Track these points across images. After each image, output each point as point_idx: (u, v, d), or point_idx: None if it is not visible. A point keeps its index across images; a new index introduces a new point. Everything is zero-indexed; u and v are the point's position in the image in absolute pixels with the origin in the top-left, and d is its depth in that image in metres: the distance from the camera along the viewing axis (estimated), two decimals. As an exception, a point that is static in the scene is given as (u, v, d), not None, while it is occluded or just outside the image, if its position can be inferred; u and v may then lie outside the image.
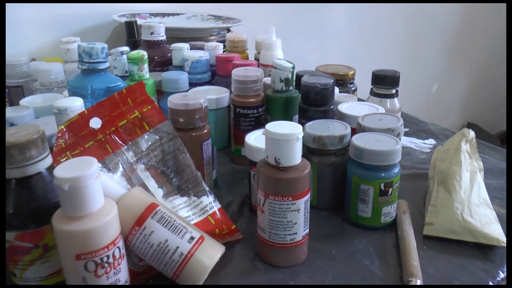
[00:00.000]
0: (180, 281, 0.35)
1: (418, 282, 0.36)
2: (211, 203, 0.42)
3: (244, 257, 0.41)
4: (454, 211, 0.44)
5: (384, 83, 0.59)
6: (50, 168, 0.34)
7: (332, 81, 0.51)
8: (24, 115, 0.52)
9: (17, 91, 0.63)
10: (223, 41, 0.87)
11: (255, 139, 0.46)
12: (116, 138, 0.42)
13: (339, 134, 0.45)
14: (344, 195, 0.46)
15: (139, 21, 0.77)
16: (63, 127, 0.41)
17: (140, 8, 0.98)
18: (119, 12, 0.94)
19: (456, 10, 1.55)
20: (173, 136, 0.44)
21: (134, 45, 0.73)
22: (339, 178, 0.46)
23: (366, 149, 0.42)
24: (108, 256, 0.31)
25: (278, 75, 0.54)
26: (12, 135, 0.32)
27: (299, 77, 0.57)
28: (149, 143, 0.43)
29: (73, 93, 0.55)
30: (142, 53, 0.59)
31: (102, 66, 0.54)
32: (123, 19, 0.90)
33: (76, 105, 0.42)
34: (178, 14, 0.99)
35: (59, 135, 0.39)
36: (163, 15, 0.98)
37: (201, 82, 0.63)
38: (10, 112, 0.52)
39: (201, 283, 0.35)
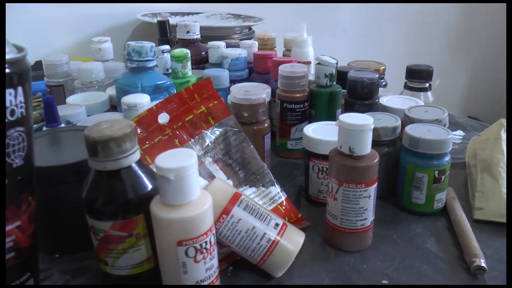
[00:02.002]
0: (267, 266, 0.37)
1: (482, 262, 0.39)
2: (278, 193, 0.44)
3: (313, 243, 0.42)
4: (502, 196, 0.46)
5: (419, 77, 0.61)
6: (139, 161, 0.35)
7: (377, 75, 0.54)
8: (78, 113, 0.53)
9: (59, 90, 0.64)
10: (246, 39, 0.88)
11: (312, 131, 0.48)
12: (183, 132, 0.44)
13: (392, 125, 0.48)
14: (395, 184, 0.49)
15: (173, 21, 0.78)
16: (132, 123, 0.42)
17: (160, 7, 0.99)
18: (139, 12, 0.95)
19: (457, 6, 1.59)
20: (238, 130, 0.45)
21: (166, 44, 0.74)
22: (391, 167, 0.49)
23: (422, 139, 0.45)
24: (206, 242, 0.33)
25: (323, 71, 0.56)
26: (107, 129, 0.33)
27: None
28: (215, 137, 0.45)
29: (122, 90, 0.56)
30: (185, 51, 0.60)
31: (151, 64, 0.56)
32: (146, 19, 0.91)
33: (145, 101, 0.44)
34: (197, 13, 1.00)
35: None
36: (183, 14, 0.99)
37: (240, 79, 0.65)
38: (64, 111, 0.53)
39: (287, 268, 0.37)
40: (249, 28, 0.91)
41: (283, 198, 0.44)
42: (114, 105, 0.62)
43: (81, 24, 0.92)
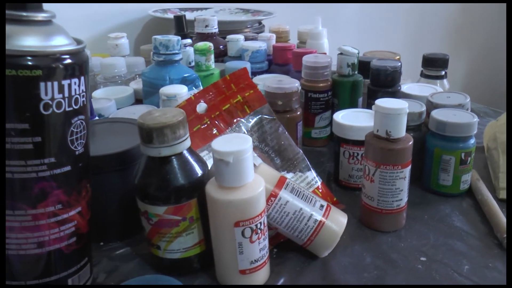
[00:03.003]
0: (313, 247, 0.38)
1: (513, 237, 0.41)
2: (314, 178, 0.45)
3: (350, 224, 0.44)
4: (525, 176, 0.49)
5: (436, 65, 0.63)
6: (189, 148, 0.37)
7: (399, 64, 0.55)
8: (109, 106, 0.54)
9: (82, 85, 0.64)
10: (256, 33, 0.90)
11: (342, 117, 0.50)
12: (220, 121, 0.45)
13: (418, 111, 0.49)
14: (420, 167, 0.51)
15: (190, 15, 0.79)
16: (172, 112, 0.43)
17: (169, 4, 1.00)
18: (149, 9, 0.96)
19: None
20: (272, 118, 0.47)
21: (182, 38, 0.74)
22: (417, 151, 0.50)
23: (449, 122, 0.47)
24: (260, 223, 0.34)
25: (345, 61, 0.58)
26: (161, 117, 0.34)
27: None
28: (251, 125, 0.46)
29: (150, 83, 0.57)
30: (209, 44, 0.61)
31: (177, 57, 0.57)
32: (157, 14, 0.92)
33: (184, 91, 0.45)
34: (206, 9, 1.01)
35: None
36: (192, 9, 1.00)
37: (260, 70, 0.66)
38: (95, 104, 0.54)
39: (332, 248, 0.38)
40: (259, 22, 0.92)
41: (319, 183, 0.45)
42: (138, 99, 0.63)
43: (94, 22, 0.92)
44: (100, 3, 0.92)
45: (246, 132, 0.46)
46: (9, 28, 0.29)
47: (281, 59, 0.67)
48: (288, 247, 0.40)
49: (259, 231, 0.34)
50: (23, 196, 0.31)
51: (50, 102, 0.29)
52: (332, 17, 1.31)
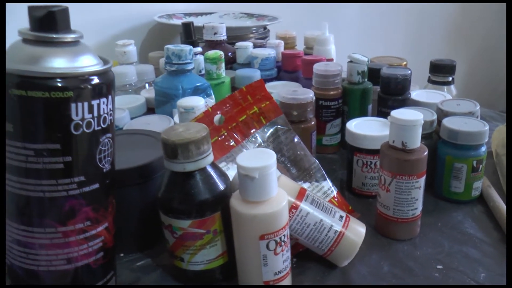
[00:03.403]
0: (333, 257, 0.39)
1: (526, 244, 0.42)
2: (330, 188, 0.46)
3: (365, 233, 0.45)
4: (534, 182, 0.50)
5: (443, 71, 0.64)
6: (211, 162, 0.37)
7: (409, 72, 0.56)
8: (123, 116, 0.55)
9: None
10: (261, 38, 0.90)
11: (355, 126, 0.50)
12: (237, 132, 0.46)
13: (429, 119, 0.50)
14: (431, 174, 0.51)
15: (196, 21, 0.79)
16: (190, 124, 0.44)
17: (174, 8, 1.00)
18: (153, 14, 0.96)
19: None
20: (288, 128, 0.47)
21: (190, 45, 0.75)
22: (428, 159, 0.51)
23: (461, 131, 0.47)
24: (284, 235, 0.35)
25: (356, 68, 0.58)
26: (185, 132, 0.35)
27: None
28: (267, 136, 0.47)
29: (162, 93, 0.58)
30: (219, 53, 0.62)
31: (190, 67, 0.58)
32: (163, 20, 0.92)
33: (201, 104, 0.45)
34: (210, 13, 1.01)
35: None
36: (197, 14, 1.00)
37: (270, 78, 0.67)
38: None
39: (352, 258, 0.39)
40: (264, 27, 0.93)
41: (335, 192, 0.46)
42: (150, 108, 0.63)
43: (98, 28, 0.92)
44: (105, 8, 0.92)
45: (262, 143, 0.46)
46: (38, 50, 0.30)
47: (290, 66, 0.67)
48: (307, 256, 0.41)
49: (282, 243, 0.35)
50: (54, 214, 0.31)
51: (81, 122, 0.30)
52: (333, 19, 1.32)
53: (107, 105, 0.32)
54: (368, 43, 1.41)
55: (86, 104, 0.30)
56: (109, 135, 0.33)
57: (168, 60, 0.57)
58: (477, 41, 1.78)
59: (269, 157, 0.34)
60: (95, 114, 0.31)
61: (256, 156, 0.34)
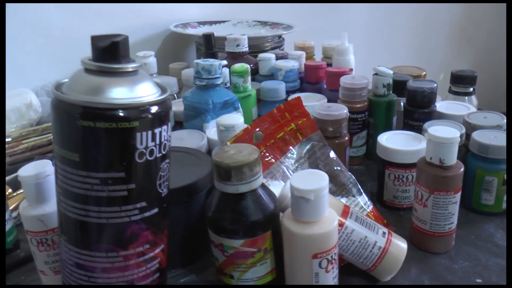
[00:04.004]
0: (376, 272, 0.40)
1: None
2: (367, 202, 0.47)
3: (402, 246, 0.46)
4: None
5: (464, 82, 0.65)
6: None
7: (435, 85, 0.57)
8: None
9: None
10: (277, 47, 0.91)
11: (386, 140, 0.51)
12: (275, 149, 0.47)
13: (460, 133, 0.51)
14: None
15: (202, 30, 0.79)
16: (229, 143, 0.45)
17: (187, 17, 1.01)
18: (167, 23, 0.97)
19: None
20: (323, 144, 0.48)
21: (211, 56, 0.75)
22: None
23: (492, 145, 0.49)
24: (335, 254, 0.36)
25: (381, 81, 0.60)
26: (237, 155, 0.36)
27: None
28: (304, 152, 0.48)
29: (192, 107, 0.59)
30: (246, 66, 0.62)
31: (219, 81, 0.58)
32: (178, 30, 0.93)
33: (241, 121, 0.46)
34: (224, 22, 1.02)
35: None
36: (211, 23, 1.01)
37: (293, 89, 0.68)
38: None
39: (395, 273, 0.40)
40: (279, 36, 0.94)
41: (371, 206, 0.47)
42: (178, 121, 0.64)
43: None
44: (120, 18, 0.93)
45: (300, 159, 0.47)
46: (102, 80, 0.30)
47: (313, 78, 0.68)
48: (349, 271, 0.42)
49: (333, 261, 0.36)
50: (116, 239, 0.32)
51: (144, 151, 0.31)
52: (341, 22, 1.33)
53: (167, 132, 0.32)
54: (375, 47, 1.42)
55: (150, 132, 0.31)
56: (167, 160, 0.33)
57: (198, 75, 0.57)
58: (481, 42, 1.80)
59: (322, 179, 0.35)
60: (157, 141, 0.31)
61: (308, 177, 0.35)
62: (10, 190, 0.58)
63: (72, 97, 0.30)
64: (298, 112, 0.47)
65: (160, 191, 0.33)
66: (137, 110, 0.30)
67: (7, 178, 0.61)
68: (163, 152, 0.32)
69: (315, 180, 0.35)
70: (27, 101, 0.78)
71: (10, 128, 0.76)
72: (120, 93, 0.30)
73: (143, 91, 0.31)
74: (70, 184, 0.31)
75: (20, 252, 0.48)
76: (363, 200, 0.47)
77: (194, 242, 0.45)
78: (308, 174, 0.36)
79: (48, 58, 0.87)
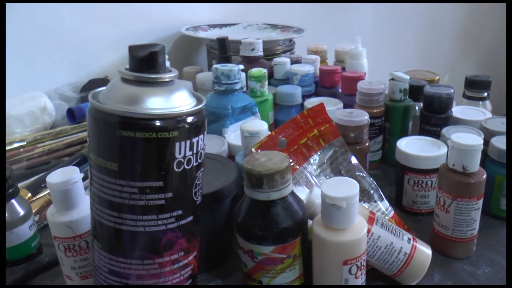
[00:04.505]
0: (401, 278, 0.41)
1: None
2: (388, 208, 0.48)
3: (424, 251, 0.47)
4: None
5: (479, 87, 0.66)
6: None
7: (452, 90, 0.58)
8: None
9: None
10: (288, 51, 0.92)
11: (406, 146, 0.52)
12: (299, 155, 0.47)
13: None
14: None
15: (213, 33, 0.79)
16: (254, 149, 0.45)
17: (198, 20, 1.01)
18: (178, 26, 0.97)
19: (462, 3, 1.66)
20: (345, 150, 0.49)
21: (226, 60, 0.76)
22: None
23: None
24: (364, 260, 0.36)
25: (398, 86, 0.60)
26: (268, 162, 0.36)
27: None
28: (326, 157, 0.48)
29: (212, 113, 0.59)
30: (263, 71, 0.63)
31: (238, 86, 0.59)
32: (190, 33, 0.93)
33: (265, 128, 0.47)
34: (234, 24, 1.02)
35: None
36: (221, 26, 1.01)
37: (309, 94, 0.68)
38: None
39: (420, 278, 0.41)
40: (290, 39, 0.94)
41: (393, 212, 0.48)
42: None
43: (125, 41, 0.93)
44: (132, 21, 0.93)
45: (322, 165, 0.48)
46: (140, 90, 0.31)
47: (328, 82, 0.69)
48: (373, 276, 0.43)
49: (362, 267, 0.37)
50: (152, 247, 0.32)
51: (182, 160, 0.31)
52: (347, 25, 1.34)
53: (202, 141, 0.33)
54: (380, 48, 1.43)
55: (188, 142, 0.31)
56: (202, 169, 0.34)
57: (217, 80, 0.58)
58: (485, 44, 1.81)
59: (353, 186, 0.35)
60: (194, 150, 0.32)
61: (339, 185, 0.36)
62: (29, 195, 0.58)
63: (112, 107, 0.30)
64: (321, 118, 0.47)
65: (195, 199, 0.34)
66: (176, 120, 0.30)
67: (26, 182, 0.62)
68: (199, 161, 0.33)
69: (346, 188, 0.35)
70: (41, 105, 0.78)
71: (25, 131, 0.77)
72: (158, 103, 0.31)
73: (180, 101, 0.32)
74: (107, 192, 0.31)
75: (44, 257, 0.49)
76: (384, 205, 0.48)
77: (219, 248, 0.45)
78: (338, 182, 0.36)
79: (60, 61, 0.87)
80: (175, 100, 0.31)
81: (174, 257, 0.33)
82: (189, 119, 0.31)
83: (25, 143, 0.73)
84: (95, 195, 0.33)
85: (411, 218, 0.53)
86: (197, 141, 0.32)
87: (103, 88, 0.34)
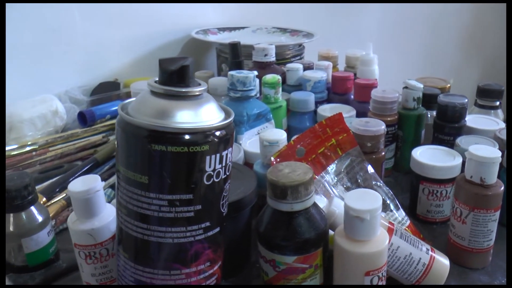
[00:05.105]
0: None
1: None
2: (405, 217, 0.48)
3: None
4: None
5: (491, 96, 0.66)
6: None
7: (466, 100, 0.58)
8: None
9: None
10: (297, 55, 0.92)
11: (420, 155, 0.52)
12: (316, 164, 0.47)
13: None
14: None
15: (222, 37, 0.80)
16: (273, 158, 0.46)
17: (207, 23, 1.01)
18: (187, 29, 0.97)
19: (467, 7, 1.66)
20: (362, 159, 0.49)
21: (237, 65, 0.76)
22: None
23: (527, 162, 0.50)
24: (385, 270, 0.37)
25: (411, 95, 0.61)
26: (292, 174, 0.37)
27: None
28: (343, 167, 0.48)
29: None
30: (277, 77, 0.63)
31: (253, 93, 0.59)
32: (200, 36, 0.93)
33: (284, 137, 0.47)
34: (243, 28, 1.03)
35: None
36: (230, 29, 1.01)
37: (321, 100, 0.69)
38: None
39: None
40: (300, 44, 0.94)
41: (409, 221, 0.48)
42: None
43: (135, 44, 0.93)
44: (142, 24, 0.93)
45: (339, 174, 0.48)
46: (171, 104, 0.31)
47: (340, 89, 0.69)
48: (389, 283, 0.43)
49: (383, 278, 0.37)
50: (180, 258, 0.33)
51: (212, 173, 0.32)
52: (354, 28, 1.35)
53: (231, 154, 0.33)
54: (385, 52, 1.43)
55: (218, 155, 0.31)
56: (229, 181, 0.34)
57: (233, 87, 0.58)
58: (490, 48, 1.81)
59: (376, 199, 0.36)
60: (223, 164, 0.32)
61: (362, 197, 0.36)
62: (44, 199, 0.58)
63: (143, 121, 0.30)
64: (339, 127, 0.48)
65: (222, 210, 0.34)
66: (207, 134, 0.31)
67: (40, 186, 0.62)
68: (227, 173, 0.33)
69: (370, 200, 0.36)
70: (53, 108, 0.78)
71: (36, 135, 0.77)
72: (188, 116, 0.31)
73: (210, 114, 0.32)
74: (136, 205, 0.32)
75: (61, 263, 0.49)
76: (400, 215, 0.48)
77: (237, 255, 0.46)
78: (361, 194, 0.37)
79: (70, 64, 0.87)
80: (204, 114, 0.32)
81: (201, 267, 0.34)
82: (219, 133, 0.31)
83: (37, 146, 0.74)
84: (122, 206, 0.33)
85: (425, 227, 0.53)
86: (226, 154, 0.32)
87: (131, 99, 0.34)
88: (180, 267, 0.33)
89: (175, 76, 0.31)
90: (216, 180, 0.32)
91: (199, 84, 0.32)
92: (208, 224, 0.33)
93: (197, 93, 0.32)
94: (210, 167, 0.31)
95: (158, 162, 0.30)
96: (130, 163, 0.32)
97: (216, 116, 0.32)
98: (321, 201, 0.44)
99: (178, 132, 0.30)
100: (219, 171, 0.32)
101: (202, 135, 0.31)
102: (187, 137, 0.30)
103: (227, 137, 0.32)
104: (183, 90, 0.31)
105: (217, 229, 0.34)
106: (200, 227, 0.32)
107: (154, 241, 0.32)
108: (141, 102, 0.32)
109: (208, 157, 0.31)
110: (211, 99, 0.33)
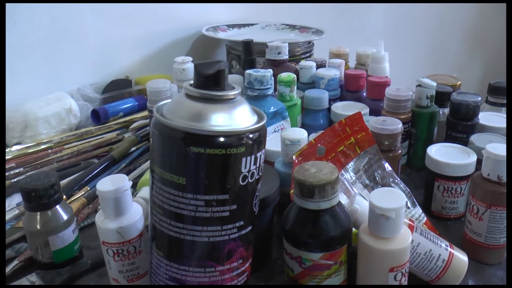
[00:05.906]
0: (440, 283, 0.42)
1: None
2: (421, 214, 0.50)
3: (457, 256, 0.48)
4: None
5: (503, 93, 0.67)
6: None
7: (479, 98, 0.59)
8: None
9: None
10: (307, 52, 0.93)
11: (436, 152, 0.54)
12: (336, 162, 0.49)
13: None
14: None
15: (231, 34, 0.80)
16: (295, 157, 0.47)
17: (216, 20, 1.02)
18: (197, 26, 0.98)
19: (472, 5, 1.67)
20: (379, 157, 0.50)
21: (250, 63, 0.77)
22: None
23: (539, 159, 0.51)
24: (407, 267, 0.38)
25: (425, 93, 0.62)
26: (319, 173, 0.38)
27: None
28: (362, 165, 0.50)
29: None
30: (292, 76, 0.64)
31: (270, 92, 0.60)
32: (210, 34, 0.94)
33: (305, 136, 0.48)
34: (252, 25, 1.03)
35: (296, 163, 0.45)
36: (239, 26, 1.02)
37: (334, 98, 0.70)
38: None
39: (457, 284, 0.43)
40: (309, 41, 0.95)
41: (426, 218, 0.50)
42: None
43: (146, 42, 0.94)
44: (152, 22, 0.94)
45: (358, 171, 0.49)
46: (207, 107, 0.32)
47: (353, 86, 0.70)
48: (411, 280, 0.45)
49: (406, 274, 0.38)
50: (214, 255, 0.34)
51: (247, 174, 0.33)
52: (359, 25, 1.35)
53: (264, 155, 0.34)
54: (389, 49, 1.44)
55: (253, 157, 0.33)
56: (261, 181, 0.35)
57: (250, 86, 0.59)
58: (493, 44, 1.82)
59: (400, 197, 0.37)
60: (257, 165, 0.33)
61: (386, 195, 0.37)
62: (64, 197, 0.59)
63: (181, 124, 0.31)
64: (358, 126, 0.49)
65: (254, 209, 0.35)
66: (244, 137, 0.32)
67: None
68: (260, 174, 0.34)
69: (394, 199, 0.37)
70: (67, 106, 0.79)
71: (51, 132, 0.78)
72: (223, 119, 0.32)
73: (243, 117, 0.33)
74: (173, 205, 0.33)
75: (86, 260, 0.50)
76: (417, 212, 0.49)
77: (261, 251, 0.47)
78: (386, 193, 0.38)
79: (82, 62, 0.88)
80: (238, 116, 0.33)
81: (234, 265, 0.35)
82: (253, 135, 0.32)
83: (52, 144, 0.74)
84: (158, 206, 0.34)
85: (440, 223, 0.54)
86: (260, 155, 0.33)
87: (166, 101, 0.35)
88: (214, 264, 0.34)
89: (211, 80, 0.32)
90: (250, 180, 0.33)
91: (233, 88, 0.33)
92: (242, 223, 0.34)
93: (232, 97, 0.33)
94: (245, 168, 0.32)
95: (195, 164, 0.31)
96: (166, 164, 0.33)
97: (249, 118, 0.33)
98: (342, 199, 0.45)
99: (215, 135, 0.31)
100: (253, 172, 0.33)
101: (237, 137, 0.32)
102: (222, 139, 0.31)
103: (260, 139, 0.33)
104: (219, 93, 0.32)
105: (250, 228, 0.35)
106: (235, 226, 0.34)
107: (190, 239, 0.33)
108: (176, 105, 0.33)
109: (244, 159, 0.32)
110: (244, 102, 0.34)
